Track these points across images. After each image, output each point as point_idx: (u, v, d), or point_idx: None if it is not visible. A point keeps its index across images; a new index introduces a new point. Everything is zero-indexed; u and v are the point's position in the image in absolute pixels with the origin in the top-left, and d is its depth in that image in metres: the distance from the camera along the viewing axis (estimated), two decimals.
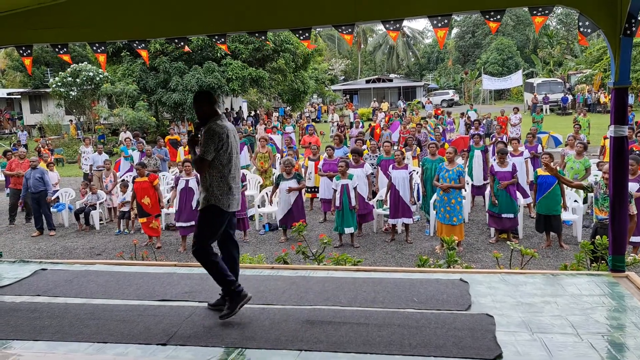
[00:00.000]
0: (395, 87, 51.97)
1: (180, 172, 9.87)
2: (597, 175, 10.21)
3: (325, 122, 33.82)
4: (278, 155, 14.53)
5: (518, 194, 9.34)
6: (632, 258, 5.65)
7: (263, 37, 5.16)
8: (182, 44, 5.48)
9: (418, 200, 10.25)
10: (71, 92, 25.70)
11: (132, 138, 17.29)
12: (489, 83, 39.42)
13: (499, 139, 13.34)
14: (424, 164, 9.87)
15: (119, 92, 24.63)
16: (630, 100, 30.35)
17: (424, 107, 39.05)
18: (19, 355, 3.75)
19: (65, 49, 5.58)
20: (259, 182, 12.37)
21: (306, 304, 4.46)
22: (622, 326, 3.85)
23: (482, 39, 57.50)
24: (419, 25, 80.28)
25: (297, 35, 5.15)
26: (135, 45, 5.54)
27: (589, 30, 4.56)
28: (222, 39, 5.31)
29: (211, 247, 4.25)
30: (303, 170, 11.86)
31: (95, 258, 8.94)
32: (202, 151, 4.12)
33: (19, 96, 35.77)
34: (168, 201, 10.80)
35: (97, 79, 25.44)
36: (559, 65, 48.52)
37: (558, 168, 8.38)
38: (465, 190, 10.06)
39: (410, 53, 64.47)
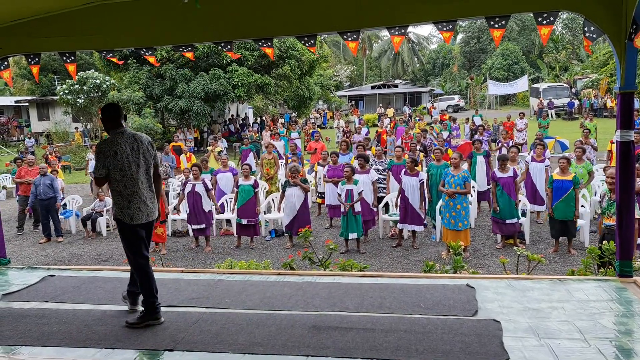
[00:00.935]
0: (400, 93, 52.03)
1: (187, 177, 9.95)
2: (604, 180, 10.23)
3: (331, 128, 33.88)
4: (281, 161, 14.56)
5: (523, 198, 9.31)
6: None
7: (270, 44, 5.18)
8: (188, 49, 5.52)
9: (426, 206, 10.23)
10: (78, 100, 25.90)
11: None
12: (495, 88, 39.34)
13: (505, 144, 13.32)
14: (429, 170, 9.87)
15: (126, 100, 24.77)
16: (637, 104, 30.25)
17: (429, 112, 39.05)
18: None
19: (72, 57, 5.64)
20: (265, 188, 12.39)
21: (313, 309, 4.47)
22: (630, 331, 3.83)
23: (488, 44, 57.53)
24: (424, 31, 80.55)
25: (302, 42, 5.18)
26: (142, 52, 5.59)
27: (594, 36, 4.56)
28: (229, 46, 5.34)
29: (142, 257, 4.39)
30: (313, 175, 11.90)
31: (102, 264, 8.98)
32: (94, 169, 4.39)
33: (27, 104, 36.09)
34: (175, 207, 10.84)
35: (104, 86, 25.61)
36: (564, 70, 48.44)
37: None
38: (472, 196, 10.04)
39: (416, 59, 64.54)
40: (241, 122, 32.49)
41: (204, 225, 9.67)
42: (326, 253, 6.43)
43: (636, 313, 4.12)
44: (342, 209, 9.09)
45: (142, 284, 4.34)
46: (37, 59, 5.72)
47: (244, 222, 9.59)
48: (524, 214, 9.13)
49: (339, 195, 9.19)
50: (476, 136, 15.22)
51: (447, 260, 7.94)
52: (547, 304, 4.36)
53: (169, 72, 24.79)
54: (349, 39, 5.02)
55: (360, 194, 9.07)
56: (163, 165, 12.73)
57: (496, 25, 4.61)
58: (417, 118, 28.91)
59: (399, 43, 5.09)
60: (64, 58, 5.66)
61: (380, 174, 10.46)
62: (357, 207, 9.03)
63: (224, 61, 25.00)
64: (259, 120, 34.82)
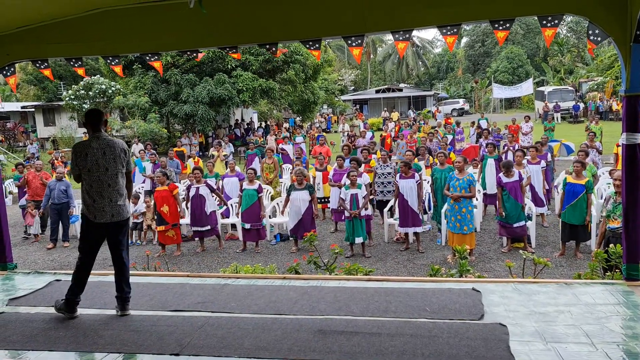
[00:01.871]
0: (405, 97, 52.01)
1: (192, 181, 10.04)
2: (610, 184, 10.19)
3: (336, 132, 33.90)
4: (287, 165, 14.57)
5: (528, 201, 9.28)
6: None
7: (274, 49, 5.21)
8: (194, 55, 5.55)
9: (429, 209, 10.23)
10: (84, 105, 26.02)
11: (145, 150, 17.43)
12: (500, 92, 39.37)
13: (510, 148, 13.29)
14: (434, 174, 9.85)
15: (131, 105, 24.89)
16: None
17: (433, 116, 39.01)
18: None
19: (79, 62, 5.69)
20: (270, 192, 12.41)
21: (318, 313, 4.47)
22: (637, 335, 3.80)
23: (492, 47, 57.47)
24: (428, 34, 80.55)
25: (307, 47, 5.20)
26: (148, 57, 5.62)
27: (599, 39, 4.56)
28: (234, 50, 5.37)
29: (87, 255, 4.69)
30: (312, 180, 11.90)
31: (108, 269, 8.98)
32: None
33: (33, 109, 36.26)
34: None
35: (110, 91, 25.74)
36: (569, 73, 48.33)
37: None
38: (477, 200, 10.02)
39: (420, 62, 64.58)
40: (246, 126, 32.56)
41: (208, 227, 9.76)
42: (331, 257, 6.43)
43: None
44: (347, 214, 9.09)
45: (72, 278, 4.68)
46: (45, 64, 5.77)
47: (248, 226, 9.62)
48: (529, 218, 9.09)
49: (343, 200, 9.18)
50: (481, 140, 15.20)
51: (453, 264, 7.92)
52: (553, 308, 4.34)
53: (174, 77, 24.90)
54: (353, 44, 5.04)
55: (365, 198, 9.07)
56: (168, 170, 12.75)
57: (500, 28, 4.62)
58: (422, 122, 28.90)
59: (403, 49, 5.12)
60: (72, 63, 5.71)
61: (386, 177, 10.45)
62: (363, 211, 9.03)
63: (229, 66, 25.08)
64: (263, 124, 34.89)
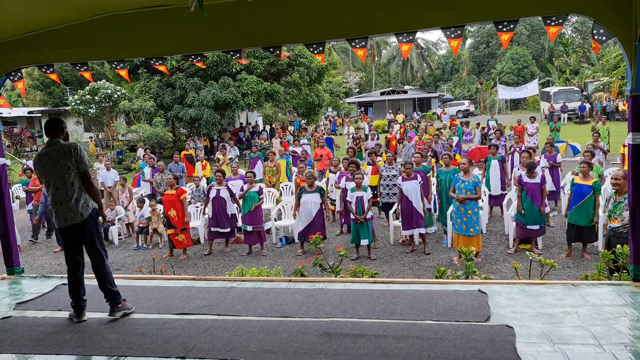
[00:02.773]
0: (410, 99, 51.96)
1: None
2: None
3: (341, 134, 33.89)
4: (294, 168, 14.58)
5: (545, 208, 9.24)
6: None
7: (278, 52, 5.22)
8: (198, 58, 5.57)
9: (435, 211, 10.20)
10: (90, 110, 26.14)
11: (149, 155, 17.49)
12: (505, 93, 39.20)
13: (517, 149, 13.26)
14: (439, 176, 9.83)
15: (137, 109, 24.96)
16: None
17: (439, 118, 38.94)
18: None
19: (85, 67, 5.72)
20: (276, 195, 12.42)
21: (324, 316, 4.46)
22: None
23: (497, 48, 57.35)
24: (432, 36, 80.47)
25: (310, 50, 5.20)
26: (153, 62, 5.64)
27: (604, 38, 4.54)
28: (238, 54, 5.38)
29: (65, 260, 4.77)
30: (324, 182, 11.92)
31: (115, 273, 8.99)
32: None
33: (39, 114, 36.47)
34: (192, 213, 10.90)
35: (115, 96, 25.84)
36: (575, 73, 48.13)
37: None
38: (482, 201, 9.98)
39: (425, 64, 64.48)
40: (251, 130, 32.60)
41: (228, 229, 9.82)
42: (337, 260, 6.42)
43: None
44: (352, 216, 9.08)
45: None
46: (51, 69, 5.81)
47: (250, 228, 9.64)
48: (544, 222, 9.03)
49: (349, 202, 9.17)
50: (493, 141, 15.16)
51: (459, 266, 7.89)
52: (560, 309, 4.32)
53: (179, 81, 24.98)
54: (357, 45, 5.04)
55: (370, 200, 9.05)
56: (166, 174, 12.77)
57: (504, 29, 4.61)
58: (428, 124, 28.84)
59: (407, 51, 5.11)
60: (77, 67, 5.75)
61: (391, 179, 10.44)
62: (369, 213, 9.02)
63: (234, 69, 25.14)
64: (267, 128, 34.93)
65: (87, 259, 4.77)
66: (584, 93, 40.17)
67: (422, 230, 9.11)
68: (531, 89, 37.55)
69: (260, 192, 9.86)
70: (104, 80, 27.06)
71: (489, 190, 11.24)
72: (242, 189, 10.07)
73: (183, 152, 18.35)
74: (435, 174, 10.41)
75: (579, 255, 8.41)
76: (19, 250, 10.95)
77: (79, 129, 31.07)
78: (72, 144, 4.66)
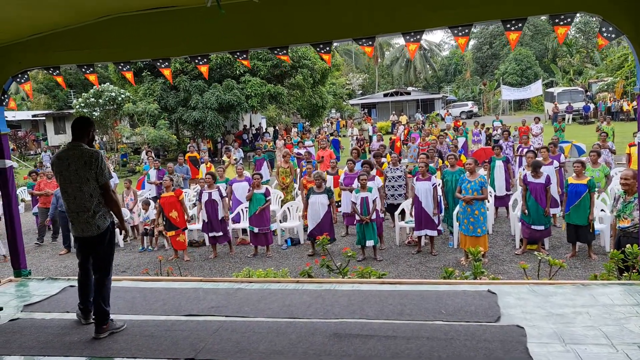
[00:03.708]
0: (413, 100, 51.88)
1: (202, 186, 10.05)
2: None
3: (344, 136, 33.87)
4: (298, 170, 14.57)
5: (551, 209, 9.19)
6: None
7: (285, 52, 5.20)
8: (204, 60, 5.55)
9: (441, 212, 10.15)
10: (94, 113, 26.19)
11: (154, 157, 17.51)
12: (509, 93, 39.16)
13: (527, 149, 13.19)
14: (444, 176, 9.80)
15: (141, 112, 25.01)
16: None
17: (442, 119, 38.88)
18: None
19: (91, 69, 5.72)
20: (280, 197, 12.40)
21: (333, 317, 4.44)
22: None
23: (500, 49, 57.27)
24: (435, 37, 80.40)
25: (317, 50, 5.18)
26: (158, 64, 5.63)
27: (612, 36, 4.51)
28: (244, 55, 5.37)
29: (78, 264, 4.69)
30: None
31: (120, 275, 9.02)
32: None
33: (44, 118, 36.59)
34: (192, 217, 10.91)
35: (119, 99, 25.90)
36: (579, 74, 48.01)
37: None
38: (489, 202, 9.94)
39: (428, 66, 64.42)
40: (255, 132, 32.61)
41: (221, 233, 9.76)
42: (344, 260, 6.40)
43: None
44: (357, 217, 9.05)
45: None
46: (57, 71, 5.81)
47: (257, 230, 9.62)
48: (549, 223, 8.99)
49: (354, 203, 9.15)
50: (501, 141, 15.13)
51: (467, 266, 7.85)
52: (571, 309, 4.28)
53: (183, 83, 25.01)
54: (365, 44, 5.02)
55: (374, 201, 9.03)
56: (175, 176, 12.78)
57: (512, 28, 4.58)
58: (433, 125, 28.79)
59: (414, 50, 5.10)
60: (83, 70, 5.74)
61: (396, 180, 10.41)
62: (373, 214, 9.00)
63: (237, 72, 25.16)
64: (271, 130, 34.93)
65: None
66: (588, 93, 40.07)
67: (432, 233, 9.06)
68: (535, 89, 37.50)
69: (267, 193, 9.85)
70: (108, 83, 27.12)
71: (494, 191, 11.20)
72: (248, 192, 10.05)
73: (187, 154, 18.37)
74: (441, 175, 10.38)
75: (586, 255, 8.36)
76: (5, 260, 10.73)
77: None
78: (93, 153, 4.38)
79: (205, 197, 9.80)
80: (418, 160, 10.28)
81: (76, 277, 4.85)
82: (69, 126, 33.98)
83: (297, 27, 5.11)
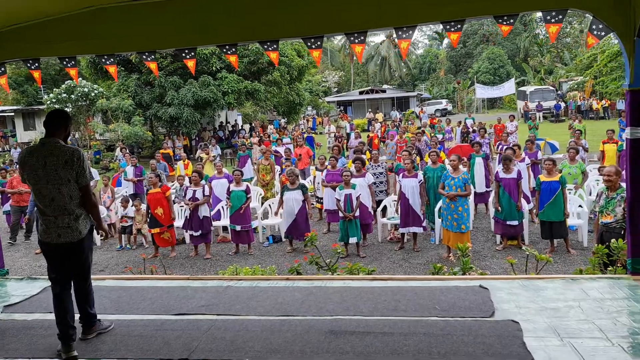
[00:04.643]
0: (388, 98, 52.12)
1: (182, 184, 9.89)
2: (598, 180, 10.29)
3: (321, 133, 33.84)
4: (278, 167, 14.47)
5: (523, 200, 9.31)
6: None
7: (275, 46, 5.12)
8: (191, 54, 5.43)
9: None
10: (66, 109, 25.57)
11: (129, 153, 17.18)
12: (483, 92, 39.68)
13: (507, 146, 13.35)
14: (426, 173, 9.83)
15: (115, 108, 24.50)
16: (620, 105, 30.60)
17: (418, 117, 39.18)
18: None
19: (73, 62, 5.54)
20: (261, 194, 12.29)
21: (327, 314, 4.39)
22: None
23: (474, 48, 57.97)
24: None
25: (308, 45, 5.12)
26: (144, 57, 5.49)
27: (602, 33, 4.56)
28: (233, 49, 5.27)
29: (52, 280, 4.07)
30: (310, 180, 11.81)
31: (99, 274, 8.80)
32: None
33: (12, 114, 35.55)
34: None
35: (92, 94, 25.33)
36: (549, 73, 48.98)
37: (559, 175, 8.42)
38: (469, 198, 10.02)
39: (402, 64, 64.81)
40: (230, 129, 32.30)
41: (200, 232, 9.57)
42: (331, 257, 6.36)
43: None
44: (341, 214, 9.02)
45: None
46: (36, 64, 5.61)
47: (238, 228, 9.50)
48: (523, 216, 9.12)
49: (338, 200, 9.11)
50: (477, 138, 15.29)
51: (455, 262, 7.89)
52: (563, 303, 4.33)
53: (158, 79, 24.60)
54: (356, 41, 4.98)
55: (358, 198, 9.01)
56: (157, 172, 12.53)
57: (504, 23, 4.61)
58: (410, 122, 28.97)
59: (406, 48, 5.08)
60: (64, 62, 5.55)
61: (377, 177, 10.42)
62: (357, 211, 8.98)
63: (214, 68, 24.86)
64: (246, 127, 34.66)
65: None
66: (559, 92, 40.89)
67: (419, 230, 9.08)
68: (508, 88, 38.10)
69: (247, 191, 9.73)
70: (81, 78, 26.49)
71: (474, 187, 11.29)
72: (228, 190, 9.90)
73: (161, 151, 18.09)
74: (422, 171, 10.41)
75: (564, 251, 8.50)
76: None
77: None
78: (75, 151, 3.96)
79: (189, 195, 9.64)
80: (400, 157, 10.32)
81: None
82: (39, 122, 33.13)
83: (287, 21, 5.04)
